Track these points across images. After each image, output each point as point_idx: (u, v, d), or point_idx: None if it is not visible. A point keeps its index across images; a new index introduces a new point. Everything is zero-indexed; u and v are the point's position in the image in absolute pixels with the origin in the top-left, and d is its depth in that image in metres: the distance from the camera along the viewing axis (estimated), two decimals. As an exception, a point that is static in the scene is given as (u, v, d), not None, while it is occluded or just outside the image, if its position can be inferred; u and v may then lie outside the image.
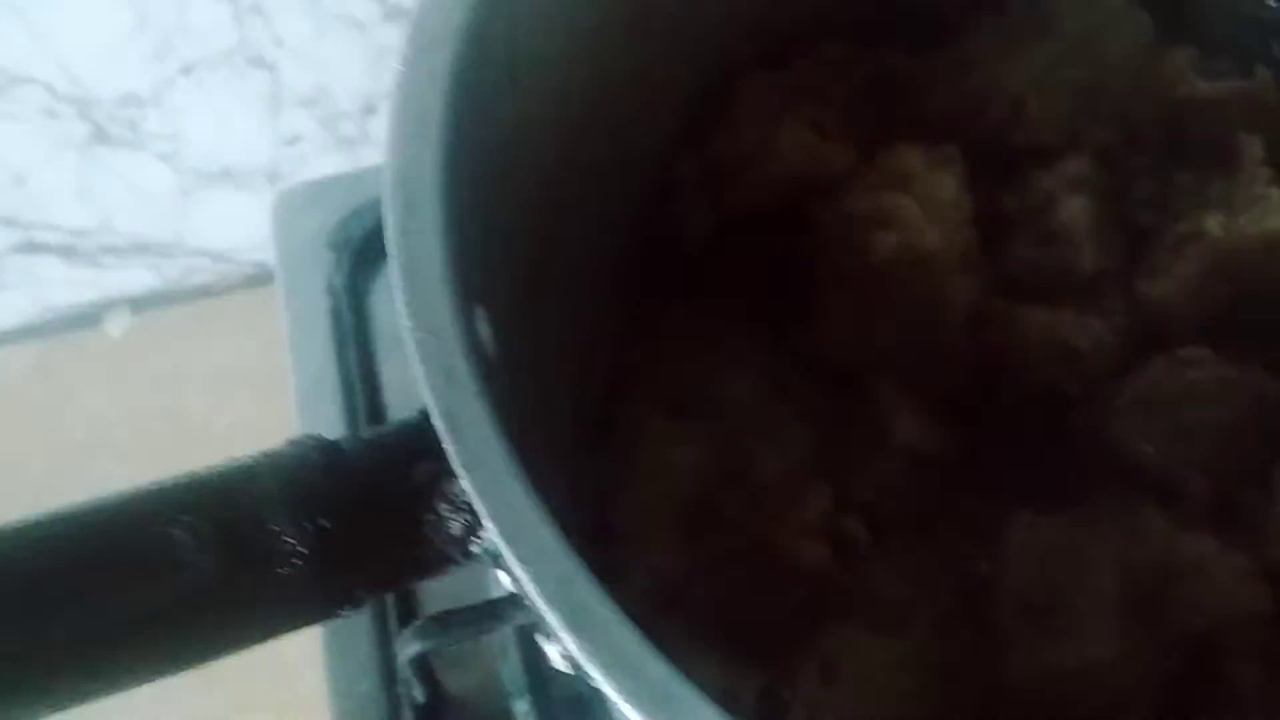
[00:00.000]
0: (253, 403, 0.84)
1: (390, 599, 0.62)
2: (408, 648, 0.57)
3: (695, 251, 0.54)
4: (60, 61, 0.89)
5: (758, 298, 0.53)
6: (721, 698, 0.31)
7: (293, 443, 0.34)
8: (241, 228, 1.02)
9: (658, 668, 0.29)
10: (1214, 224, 0.50)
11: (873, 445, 0.50)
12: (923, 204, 0.49)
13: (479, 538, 0.33)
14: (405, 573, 0.34)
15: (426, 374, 0.32)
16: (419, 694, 0.59)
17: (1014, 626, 0.45)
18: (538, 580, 0.29)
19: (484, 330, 0.36)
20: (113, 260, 1.05)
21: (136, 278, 1.07)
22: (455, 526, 0.33)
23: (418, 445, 0.34)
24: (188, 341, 1.06)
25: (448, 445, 0.31)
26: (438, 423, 0.31)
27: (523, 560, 0.29)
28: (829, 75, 0.55)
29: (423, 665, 0.59)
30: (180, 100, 0.93)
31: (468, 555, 0.33)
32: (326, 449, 0.33)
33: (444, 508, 0.33)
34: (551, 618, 0.29)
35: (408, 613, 0.61)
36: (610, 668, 0.29)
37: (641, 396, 0.54)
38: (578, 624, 0.29)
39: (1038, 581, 0.45)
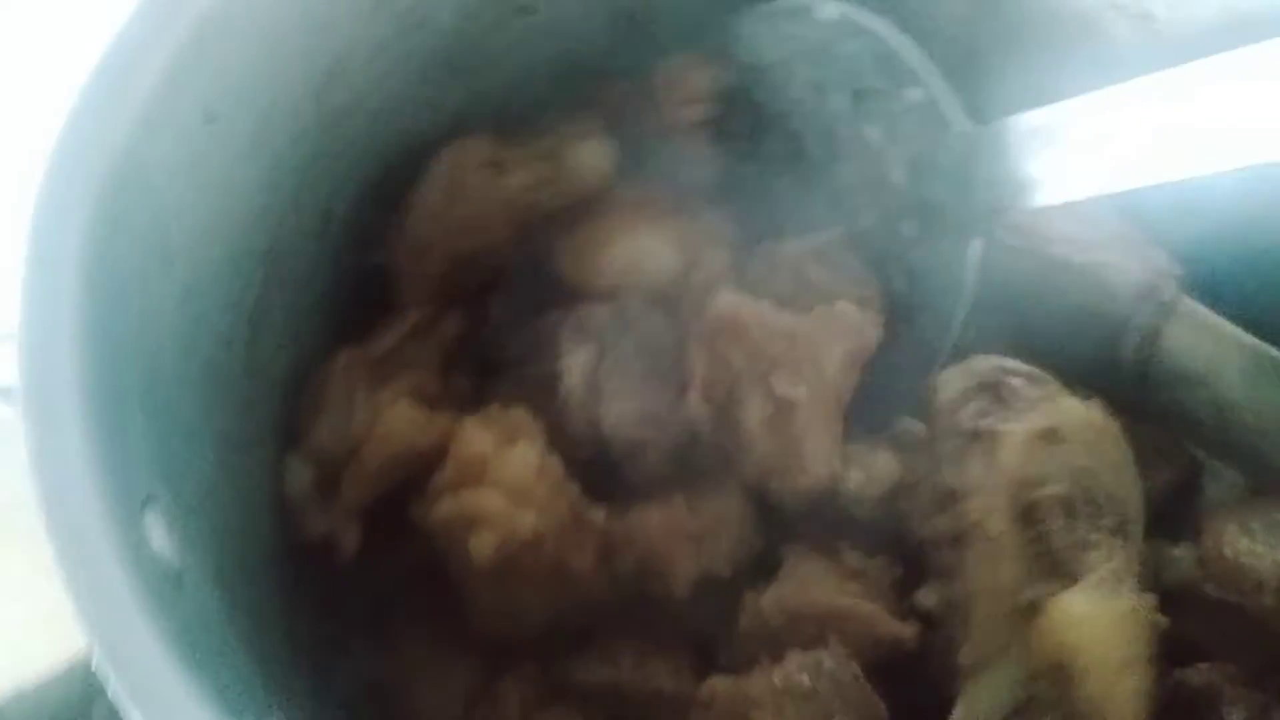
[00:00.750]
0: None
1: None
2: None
3: (348, 554, 0.46)
4: None
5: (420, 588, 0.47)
6: None
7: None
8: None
9: None
10: None
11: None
12: (506, 489, 0.43)
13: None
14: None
15: (78, 604, 0.29)
16: None
17: None
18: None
19: (158, 533, 0.33)
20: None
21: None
22: (146, 764, 0.29)
23: (95, 681, 0.30)
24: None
25: (111, 680, 0.28)
26: (98, 656, 0.28)
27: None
28: (412, 341, 0.49)
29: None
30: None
31: (170, 790, 0.30)
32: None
33: (129, 746, 0.29)
34: None
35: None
36: None
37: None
38: None
39: None
